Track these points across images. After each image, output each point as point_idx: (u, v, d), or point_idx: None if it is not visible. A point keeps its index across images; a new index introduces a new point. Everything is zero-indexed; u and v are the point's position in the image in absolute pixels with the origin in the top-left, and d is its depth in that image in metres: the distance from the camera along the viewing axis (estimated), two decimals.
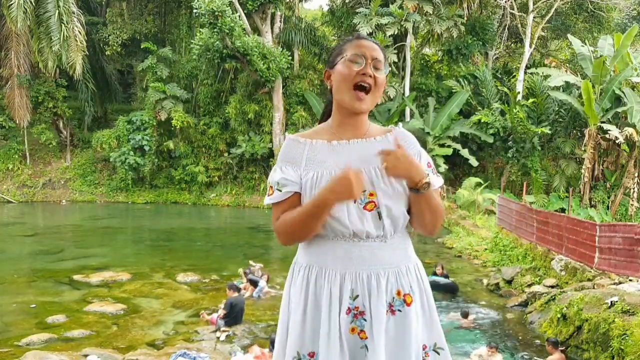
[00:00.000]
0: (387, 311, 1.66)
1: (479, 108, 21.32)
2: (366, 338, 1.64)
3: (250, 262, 10.97)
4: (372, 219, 1.65)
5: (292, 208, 1.69)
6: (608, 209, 17.85)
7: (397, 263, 1.70)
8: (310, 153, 1.73)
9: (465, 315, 8.50)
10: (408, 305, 1.68)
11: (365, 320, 1.65)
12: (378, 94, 1.71)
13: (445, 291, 10.18)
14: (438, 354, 1.74)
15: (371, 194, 1.65)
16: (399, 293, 1.68)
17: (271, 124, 23.30)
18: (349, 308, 1.65)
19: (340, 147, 1.72)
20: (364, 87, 1.67)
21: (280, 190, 1.70)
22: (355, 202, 1.64)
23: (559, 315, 7.53)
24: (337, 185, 1.56)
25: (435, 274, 10.47)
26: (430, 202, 1.66)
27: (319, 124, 1.84)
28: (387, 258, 1.69)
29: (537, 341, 7.71)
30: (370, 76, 1.67)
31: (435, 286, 10.17)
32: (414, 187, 1.63)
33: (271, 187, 1.73)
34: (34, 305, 9.03)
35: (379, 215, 1.65)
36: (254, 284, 9.62)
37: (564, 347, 6.90)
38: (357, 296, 1.65)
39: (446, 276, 10.57)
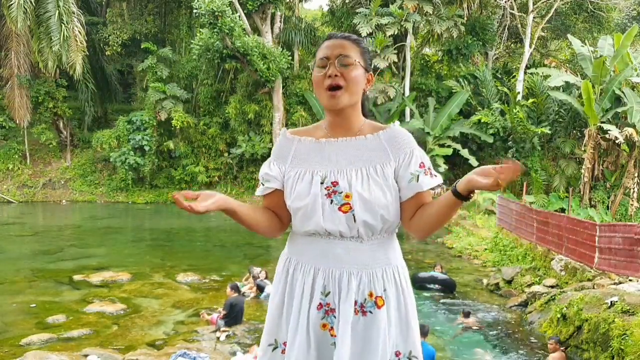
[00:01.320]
0: (357, 311, 1.66)
1: (479, 108, 21.32)
2: (335, 336, 1.65)
3: (254, 268, 10.85)
4: (346, 220, 1.64)
5: (274, 203, 1.77)
6: (608, 209, 17.85)
7: (373, 265, 1.68)
8: (297, 150, 1.74)
9: (466, 315, 8.50)
10: (379, 307, 1.66)
11: (334, 317, 1.66)
12: (354, 89, 1.68)
13: (444, 287, 10.21)
14: None
15: (347, 196, 1.64)
16: (370, 294, 1.67)
17: (271, 124, 23.30)
18: (320, 304, 1.67)
19: (327, 145, 1.72)
20: (335, 87, 1.66)
21: (263, 184, 1.77)
22: (331, 203, 1.64)
23: (558, 315, 7.53)
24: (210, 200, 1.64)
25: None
26: (455, 209, 1.63)
27: None
28: (363, 259, 1.67)
29: (537, 341, 7.71)
30: (337, 75, 1.65)
31: (433, 280, 10.24)
32: (464, 194, 1.55)
33: (259, 180, 1.80)
34: (34, 305, 9.04)
35: (353, 217, 1.64)
36: (261, 289, 9.60)
37: (564, 347, 6.90)
38: (329, 293, 1.67)
39: (445, 274, 10.59)
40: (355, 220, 1.64)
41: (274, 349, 1.73)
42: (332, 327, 1.66)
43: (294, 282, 1.71)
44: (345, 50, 1.68)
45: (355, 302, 1.65)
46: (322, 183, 1.66)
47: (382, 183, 1.66)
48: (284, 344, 1.70)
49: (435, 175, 1.71)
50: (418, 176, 1.68)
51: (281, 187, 1.74)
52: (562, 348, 6.81)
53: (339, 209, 1.64)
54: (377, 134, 1.73)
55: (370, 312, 1.66)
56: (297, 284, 1.70)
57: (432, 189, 1.71)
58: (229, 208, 1.69)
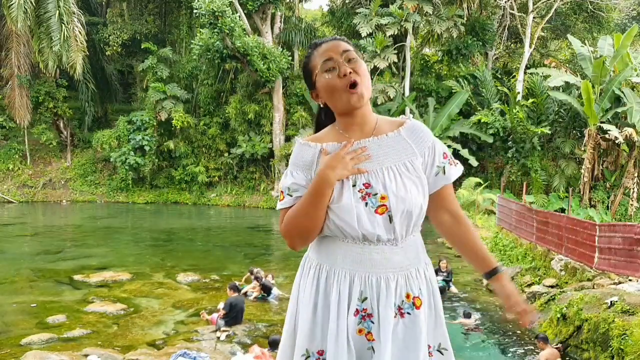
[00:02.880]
0: (395, 314, 1.65)
1: (479, 108, 21.33)
2: (373, 340, 1.64)
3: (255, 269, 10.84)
4: (383, 222, 1.62)
5: None
6: (608, 209, 17.85)
7: (407, 266, 1.68)
8: (321, 157, 1.69)
9: (467, 315, 8.51)
10: (417, 308, 1.67)
11: (372, 322, 1.64)
12: (367, 81, 1.67)
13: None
14: (442, 354, 1.74)
15: (383, 197, 1.62)
16: (408, 296, 1.67)
17: (271, 124, 23.31)
18: (357, 310, 1.64)
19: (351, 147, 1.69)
20: (353, 85, 1.64)
21: (291, 195, 1.67)
22: (366, 206, 1.62)
23: (558, 315, 7.54)
24: (333, 160, 1.55)
25: (439, 269, 10.46)
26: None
27: (314, 133, 1.81)
28: (398, 261, 1.67)
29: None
30: (351, 72, 1.64)
31: None
32: (489, 276, 1.77)
33: (282, 192, 1.70)
34: (34, 305, 9.04)
35: (389, 218, 1.62)
36: (267, 289, 9.57)
37: (558, 346, 6.91)
38: (366, 298, 1.64)
39: (450, 272, 10.53)
40: (391, 221, 1.62)
41: (307, 358, 1.68)
42: (368, 332, 1.64)
43: (327, 290, 1.66)
44: (345, 47, 1.68)
45: (394, 305, 1.65)
46: (354, 186, 1.63)
47: (414, 178, 1.66)
48: (318, 352, 1.66)
49: (457, 163, 1.77)
50: (444, 168, 1.71)
51: None
52: (556, 346, 6.82)
53: (376, 211, 1.62)
54: (397, 131, 1.72)
55: (409, 313, 1.66)
56: (332, 291, 1.65)
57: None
58: (333, 185, 1.61)
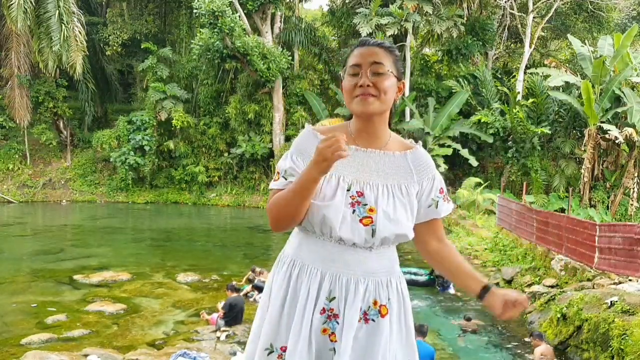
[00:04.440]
0: (360, 318, 1.64)
1: (479, 108, 21.32)
2: (336, 341, 1.63)
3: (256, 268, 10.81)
4: (365, 233, 1.62)
5: None
6: (608, 209, 17.84)
7: (379, 273, 1.68)
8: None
9: (468, 319, 8.53)
10: (382, 316, 1.66)
11: (337, 323, 1.64)
12: (386, 98, 1.65)
13: (425, 286, 10.43)
14: None
15: (371, 210, 1.63)
16: (375, 303, 1.66)
17: (271, 124, 23.31)
18: (323, 308, 1.64)
19: (355, 153, 1.69)
20: (364, 97, 1.64)
21: (286, 179, 1.67)
22: (353, 213, 1.62)
23: (558, 315, 7.54)
24: (317, 155, 1.52)
25: (432, 271, 10.51)
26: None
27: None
28: (371, 267, 1.67)
29: None
30: (369, 85, 1.62)
31: (414, 283, 10.32)
32: (480, 295, 1.76)
33: (278, 172, 1.70)
34: (34, 305, 9.04)
35: (372, 232, 1.62)
36: (260, 289, 9.56)
37: (545, 341, 6.94)
38: (334, 298, 1.64)
39: None
40: (373, 235, 1.63)
41: (270, 353, 1.67)
42: (332, 333, 1.64)
43: (297, 286, 1.67)
44: (378, 58, 1.65)
45: (360, 309, 1.64)
46: (348, 190, 1.64)
47: (406, 203, 1.67)
48: (282, 348, 1.66)
49: (450, 201, 1.79)
50: (437, 202, 1.73)
51: None
52: (546, 342, 6.86)
53: (360, 220, 1.62)
54: (404, 153, 1.73)
55: (373, 320, 1.66)
56: (301, 287, 1.66)
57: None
58: (318, 181, 1.57)
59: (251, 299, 9.34)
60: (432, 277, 10.55)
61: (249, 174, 24.03)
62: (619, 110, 17.46)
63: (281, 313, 1.67)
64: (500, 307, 1.71)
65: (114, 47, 26.00)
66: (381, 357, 1.65)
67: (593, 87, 17.37)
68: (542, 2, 23.35)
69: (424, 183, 1.72)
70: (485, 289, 1.74)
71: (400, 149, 1.74)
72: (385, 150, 1.71)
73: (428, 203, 1.73)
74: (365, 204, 1.63)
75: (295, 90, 23.43)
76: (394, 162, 1.70)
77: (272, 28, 23.83)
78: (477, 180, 18.88)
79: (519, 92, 21.56)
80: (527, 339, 7.71)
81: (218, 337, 7.56)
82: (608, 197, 18.12)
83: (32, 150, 25.46)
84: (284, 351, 1.65)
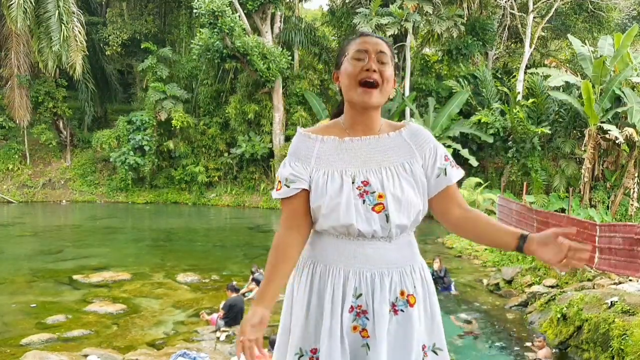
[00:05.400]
0: (389, 310, 1.64)
1: (479, 108, 21.32)
2: (368, 337, 1.63)
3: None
4: (380, 220, 1.62)
5: (300, 204, 1.68)
6: (608, 209, 17.84)
7: (402, 263, 1.68)
8: (321, 150, 1.70)
9: (468, 322, 8.52)
10: (411, 306, 1.67)
11: (367, 319, 1.64)
12: (387, 88, 1.68)
13: None
14: (436, 354, 1.73)
15: (380, 196, 1.62)
16: (402, 293, 1.66)
17: (271, 124, 23.30)
18: (351, 306, 1.64)
19: (351, 144, 1.70)
20: (369, 84, 1.64)
21: (289, 187, 1.68)
22: (364, 203, 1.62)
23: (559, 316, 7.53)
24: (244, 326, 1.66)
25: (433, 271, 10.47)
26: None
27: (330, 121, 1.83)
28: (393, 258, 1.67)
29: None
30: (375, 71, 1.64)
31: None
32: (521, 247, 1.67)
33: (279, 182, 1.71)
34: (34, 305, 9.04)
35: (386, 217, 1.62)
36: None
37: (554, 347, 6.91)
38: (361, 295, 1.64)
39: (445, 271, 10.51)
40: (388, 220, 1.62)
41: (300, 357, 1.68)
42: (363, 329, 1.64)
43: (321, 288, 1.67)
44: (384, 48, 1.68)
45: (388, 302, 1.65)
46: (353, 183, 1.64)
47: (411, 180, 1.67)
48: (312, 351, 1.66)
49: (458, 167, 1.77)
50: (445, 169, 1.72)
51: (308, 187, 1.67)
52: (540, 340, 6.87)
53: (372, 209, 1.62)
54: (398, 131, 1.74)
55: (402, 310, 1.66)
56: (326, 288, 1.66)
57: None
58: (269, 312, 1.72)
59: (249, 297, 9.33)
60: (433, 277, 10.53)
61: (249, 174, 24.02)
62: (619, 110, 17.46)
63: (307, 317, 1.68)
64: (550, 250, 1.59)
65: (114, 47, 25.99)
66: (415, 345, 1.66)
67: (593, 87, 17.37)
68: (542, 2, 23.34)
69: (426, 155, 1.72)
70: (523, 239, 1.65)
71: (392, 129, 1.75)
72: (380, 135, 1.72)
73: (436, 173, 1.71)
74: (374, 192, 1.63)
75: (295, 90, 23.42)
76: (392, 143, 1.70)
77: (272, 28, 23.82)
78: (477, 180, 18.88)
79: (519, 92, 21.56)
80: (527, 344, 7.70)
81: (218, 338, 7.56)
82: (608, 197, 18.11)
83: (31, 150, 25.46)
84: (314, 353, 1.66)
